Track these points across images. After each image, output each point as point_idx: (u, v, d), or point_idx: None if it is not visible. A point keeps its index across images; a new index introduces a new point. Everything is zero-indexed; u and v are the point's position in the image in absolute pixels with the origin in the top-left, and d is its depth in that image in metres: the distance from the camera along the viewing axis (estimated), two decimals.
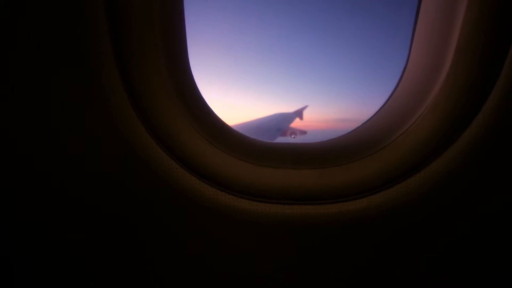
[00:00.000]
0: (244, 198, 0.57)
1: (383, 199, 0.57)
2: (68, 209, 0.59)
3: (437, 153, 0.55)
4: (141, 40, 0.50)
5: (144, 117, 0.54)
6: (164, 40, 0.53)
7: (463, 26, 0.50)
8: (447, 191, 0.56)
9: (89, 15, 0.48)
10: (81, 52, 0.49)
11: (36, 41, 0.49)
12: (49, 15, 0.48)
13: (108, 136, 0.54)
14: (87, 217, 0.60)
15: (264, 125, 7.42)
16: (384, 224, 0.59)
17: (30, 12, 0.47)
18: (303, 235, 0.60)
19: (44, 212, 0.60)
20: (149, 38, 0.51)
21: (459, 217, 0.60)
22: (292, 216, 0.58)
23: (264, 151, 0.62)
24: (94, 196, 0.58)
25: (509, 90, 0.50)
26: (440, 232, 0.61)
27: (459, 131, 0.54)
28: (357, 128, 0.66)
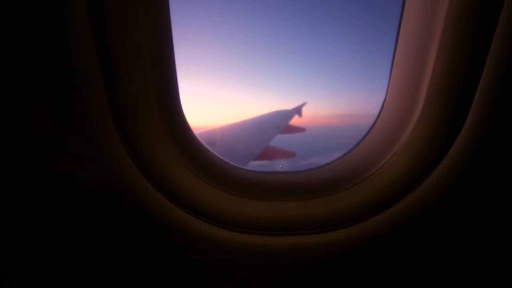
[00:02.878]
0: (232, 230, 0.62)
1: (363, 230, 0.62)
2: (72, 237, 0.64)
3: (411, 187, 0.60)
4: (135, 97, 0.54)
5: (141, 164, 0.58)
6: (156, 92, 0.56)
7: (433, 72, 0.54)
8: (422, 222, 0.62)
9: (84, 73, 0.50)
10: (79, 112, 0.53)
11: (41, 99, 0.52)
12: (48, 72, 0.50)
13: (106, 181, 0.57)
14: (87, 249, 0.65)
15: (263, 123, 7.43)
16: (364, 254, 0.65)
17: (34, 73, 0.50)
18: (289, 265, 0.65)
19: (53, 245, 0.65)
20: (142, 94, 0.54)
21: (433, 247, 0.65)
22: (278, 247, 0.63)
23: (251, 182, 0.67)
24: (91, 229, 0.63)
25: (475, 131, 0.55)
26: (415, 261, 0.67)
27: (430, 168, 0.59)
28: (338, 160, 0.72)
